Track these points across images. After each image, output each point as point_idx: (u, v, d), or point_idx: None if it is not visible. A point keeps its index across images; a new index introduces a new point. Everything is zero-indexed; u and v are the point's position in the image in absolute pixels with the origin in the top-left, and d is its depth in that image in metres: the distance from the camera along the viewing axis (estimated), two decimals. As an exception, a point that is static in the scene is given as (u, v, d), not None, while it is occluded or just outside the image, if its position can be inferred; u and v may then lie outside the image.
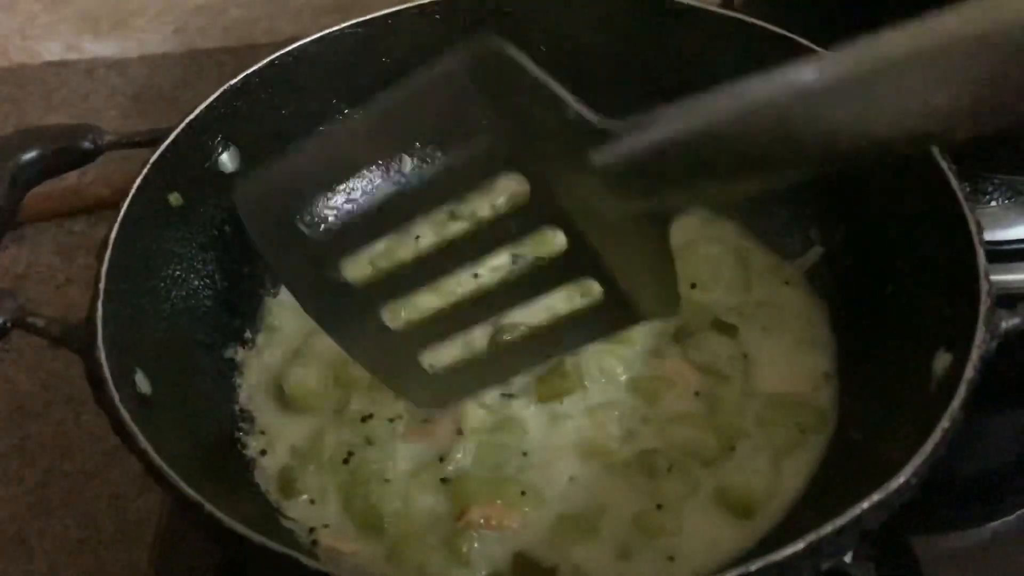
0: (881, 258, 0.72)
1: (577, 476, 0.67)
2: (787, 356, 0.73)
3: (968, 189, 0.65)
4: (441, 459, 0.68)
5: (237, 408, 0.73)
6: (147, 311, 0.68)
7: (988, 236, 0.92)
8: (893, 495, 0.51)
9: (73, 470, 0.88)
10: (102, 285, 0.63)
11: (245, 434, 0.72)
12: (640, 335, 0.74)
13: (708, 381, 0.71)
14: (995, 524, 0.85)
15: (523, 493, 0.66)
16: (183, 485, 0.53)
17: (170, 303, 0.71)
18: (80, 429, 0.91)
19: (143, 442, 0.54)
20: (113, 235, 0.65)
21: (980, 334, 0.56)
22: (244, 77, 0.77)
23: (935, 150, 0.66)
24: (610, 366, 0.72)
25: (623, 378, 0.72)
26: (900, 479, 0.51)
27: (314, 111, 0.83)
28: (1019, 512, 0.86)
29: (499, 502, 0.65)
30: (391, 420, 0.70)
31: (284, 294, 0.81)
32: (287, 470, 0.69)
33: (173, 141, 0.72)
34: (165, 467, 0.54)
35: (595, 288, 0.52)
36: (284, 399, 0.73)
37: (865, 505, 0.50)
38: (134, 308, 0.66)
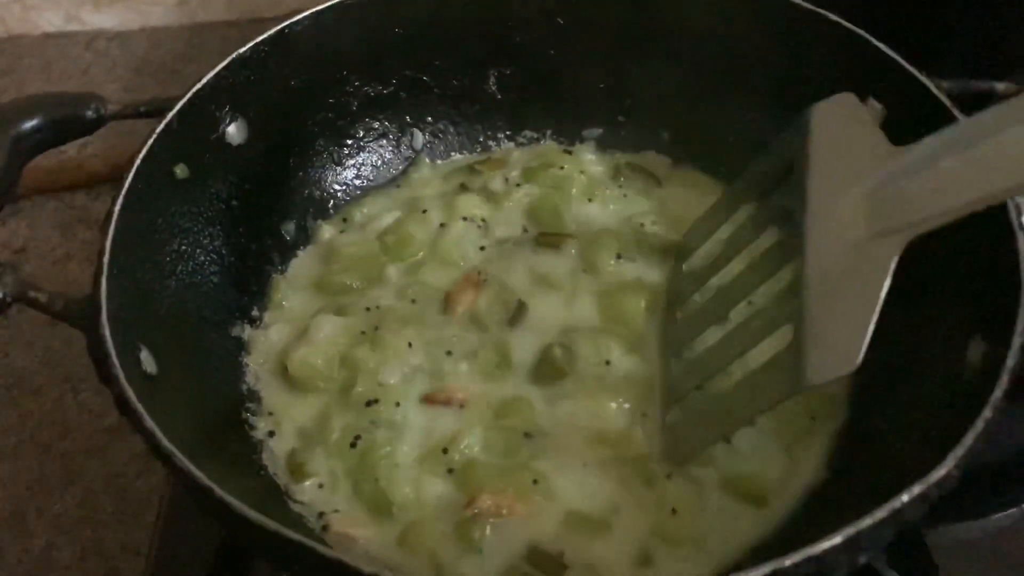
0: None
1: (588, 465, 0.66)
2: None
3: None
4: (448, 446, 0.66)
5: (245, 388, 0.71)
6: (152, 287, 0.66)
7: None
8: (933, 487, 0.49)
9: (72, 448, 0.86)
10: (106, 259, 0.61)
11: (253, 415, 0.70)
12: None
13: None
14: (1003, 515, 0.85)
15: (535, 482, 0.64)
16: (192, 468, 0.50)
17: (175, 279, 0.69)
18: (79, 407, 0.89)
19: (149, 422, 0.52)
20: (118, 207, 0.63)
21: (1021, 322, 0.54)
22: (253, 46, 0.74)
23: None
24: (606, 347, 0.70)
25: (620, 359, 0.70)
26: (942, 471, 0.49)
27: (324, 82, 0.81)
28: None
29: (511, 491, 0.64)
30: (397, 404, 0.68)
31: (292, 271, 0.79)
32: (295, 453, 0.67)
33: (180, 111, 0.69)
34: (173, 449, 0.51)
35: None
36: (290, 379, 0.71)
37: (905, 498, 0.48)
38: (139, 284, 0.64)
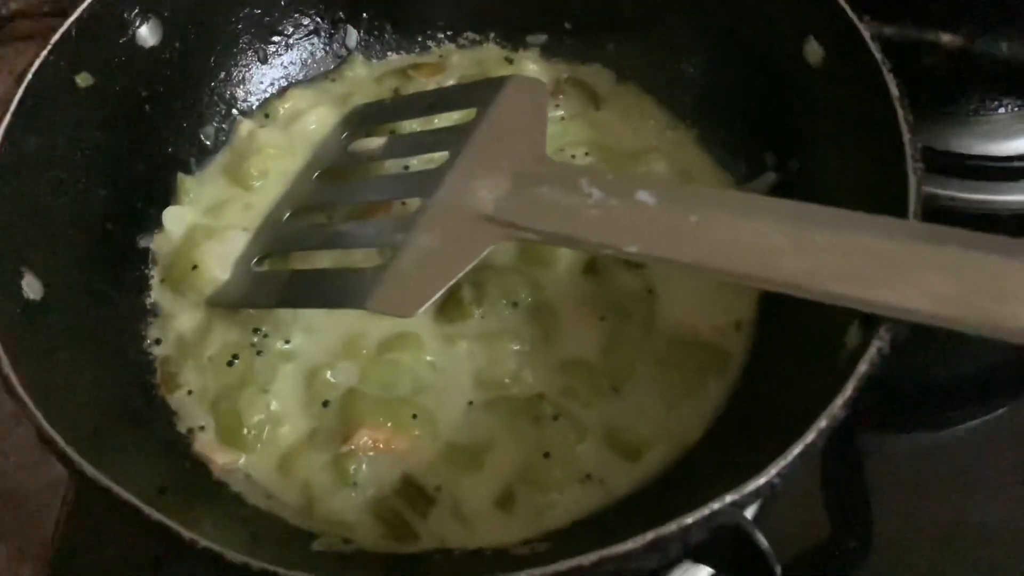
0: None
1: (474, 404, 0.67)
2: (702, 298, 0.69)
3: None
4: (320, 375, 0.67)
5: (149, 303, 0.72)
6: (44, 203, 0.65)
7: (993, 150, 0.88)
8: (748, 496, 0.49)
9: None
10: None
11: (149, 327, 0.71)
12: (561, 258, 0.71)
13: (612, 318, 0.69)
14: (942, 433, 0.87)
15: (415, 416, 0.66)
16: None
17: (74, 193, 0.68)
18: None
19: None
20: (3, 127, 0.62)
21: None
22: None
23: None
24: (516, 289, 0.70)
25: (528, 302, 0.70)
26: (760, 479, 0.49)
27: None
28: (965, 424, 0.87)
29: (389, 425, 0.65)
30: (286, 341, 0.69)
31: (201, 169, 0.78)
32: (168, 361, 0.69)
33: (79, 18, 0.67)
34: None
35: None
36: (188, 282, 0.71)
37: (727, 499, 0.49)
38: (28, 200, 0.64)
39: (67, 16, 0.67)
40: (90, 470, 0.50)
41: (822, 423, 0.50)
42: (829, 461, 0.86)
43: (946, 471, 0.84)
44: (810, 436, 0.50)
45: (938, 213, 0.83)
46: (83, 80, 0.68)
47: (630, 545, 0.48)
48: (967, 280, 0.50)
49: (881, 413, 0.87)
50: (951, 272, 0.51)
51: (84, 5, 0.67)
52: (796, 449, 0.50)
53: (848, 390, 0.51)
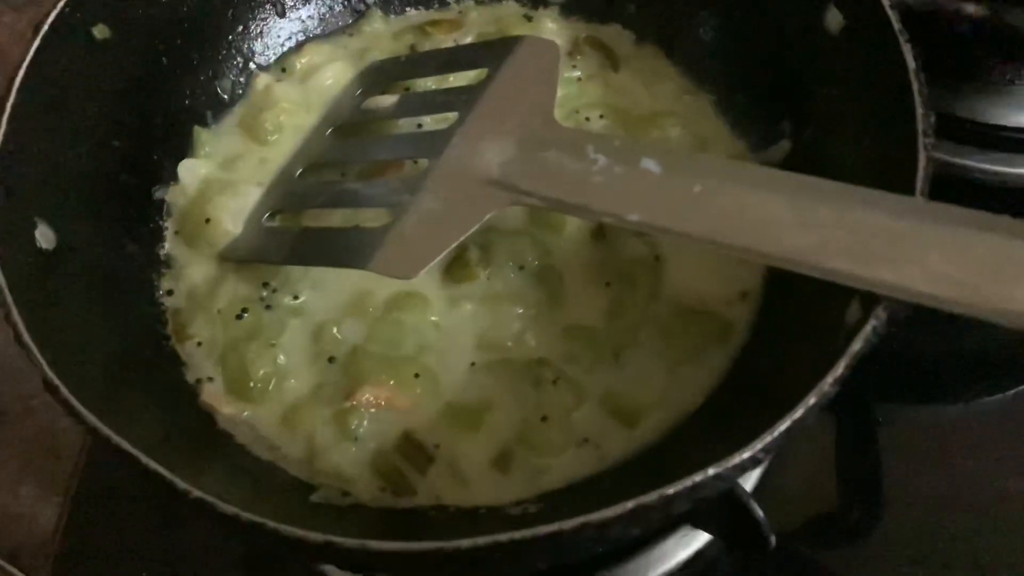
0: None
1: (476, 365, 0.67)
2: (709, 266, 0.69)
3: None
4: (325, 331, 0.68)
5: (163, 253, 0.73)
6: (61, 156, 0.66)
7: (1013, 122, 0.86)
8: (728, 471, 0.49)
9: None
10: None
11: (161, 277, 0.72)
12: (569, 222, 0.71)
13: (617, 284, 0.69)
14: (959, 406, 0.87)
15: (417, 375, 0.67)
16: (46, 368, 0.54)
17: (90, 144, 0.69)
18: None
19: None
20: (19, 79, 0.63)
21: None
22: None
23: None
24: (523, 252, 0.70)
25: (534, 266, 0.70)
26: (745, 454, 0.49)
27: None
28: (983, 399, 0.87)
29: (392, 383, 0.66)
30: (295, 297, 0.70)
31: (217, 123, 0.79)
32: (179, 312, 0.70)
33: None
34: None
35: None
36: (201, 235, 0.72)
37: (671, 491, 0.49)
38: (45, 154, 0.65)
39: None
40: (91, 419, 0.52)
41: (811, 400, 0.50)
42: (844, 429, 0.86)
43: (961, 445, 0.84)
44: (798, 412, 0.50)
45: (955, 182, 0.83)
46: (100, 32, 0.69)
47: (610, 513, 0.49)
48: (968, 260, 0.50)
49: (900, 384, 0.87)
50: (953, 252, 0.50)
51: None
52: (783, 425, 0.50)
53: (840, 368, 0.51)
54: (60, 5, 0.66)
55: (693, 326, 0.68)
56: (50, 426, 0.99)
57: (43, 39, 0.65)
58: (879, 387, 0.85)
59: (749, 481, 0.77)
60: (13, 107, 0.62)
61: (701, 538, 0.76)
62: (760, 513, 0.64)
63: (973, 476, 0.82)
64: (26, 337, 0.54)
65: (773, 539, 0.64)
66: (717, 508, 0.65)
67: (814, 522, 0.82)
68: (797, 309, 0.64)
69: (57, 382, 0.53)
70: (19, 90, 0.63)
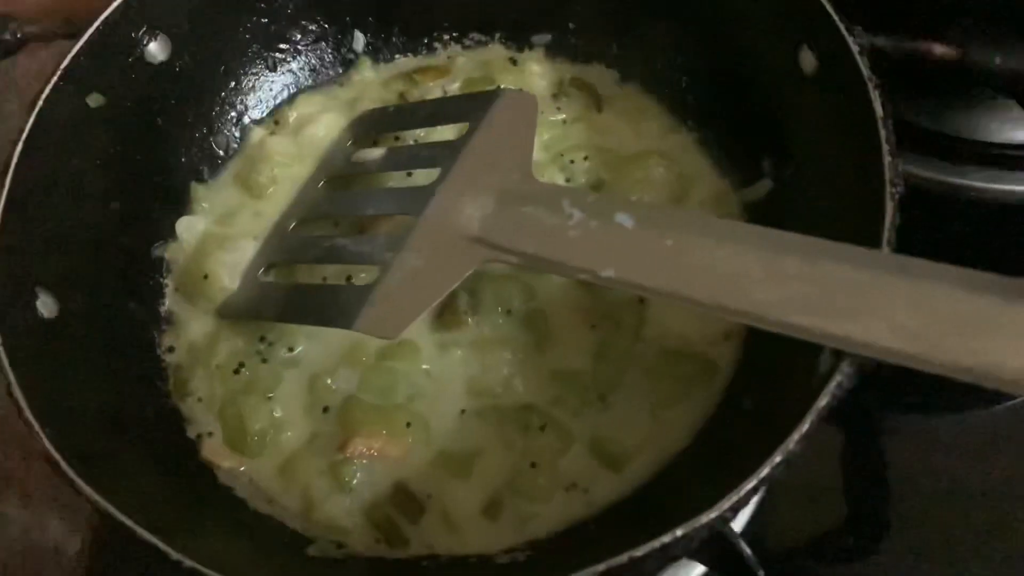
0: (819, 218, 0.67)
1: (466, 412, 0.69)
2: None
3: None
4: (321, 381, 0.70)
5: (163, 310, 0.75)
6: (61, 224, 0.68)
7: (1009, 138, 0.87)
8: (700, 529, 0.51)
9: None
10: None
11: (162, 334, 0.74)
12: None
13: (603, 326, 0.70)
14: (958, 417, 0.87)
15: (408, 424, 0.68)
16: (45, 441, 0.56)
17: (87, 211, 0.71)
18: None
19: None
20: (17, 153, 0.65)
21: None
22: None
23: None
24: (510, 296, 0.71)
25: (522, 310, 0.72)
26: (713, 514, 0.51)
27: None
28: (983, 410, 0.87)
29: (384, 432, 0.68)
30: (290, 349, 0.72)
31: (214, 178, 0.81)
32: (180, 368, 0.72)
33: (89, 40, 0.70)
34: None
35: None
36: (199, 291, 0.74)
37: (663, 540, 0.50)
38: (43, 223, 0.67)
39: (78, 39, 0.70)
40: (89, 492, 0.54)
41: (776, 458, 0.51)
42: (850, 440, 0.87)
43: (968, 453, 0.84)
44: (764, 471, 0.51)
45: (948, 200, 0.82)
46: (94, 100, 0.71)
47: (603, 566, 0.50)
48: (933, 315, 0.50)
49: (905, 393, 0.87)
50: (917, 306, 0.51)
51: (92, 28, 0.70)
52: (749, 484, 0.51)
53: (805, 425, 0.52)
54: (54, 80, 0.68)
55: (678, 367, 0.69)
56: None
57: (38, 114, 0.67)
58: (884, 399, 0.86)
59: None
60: (12, 180, 0.64)
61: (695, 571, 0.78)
62: (747, 551, 0.66)
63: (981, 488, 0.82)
64: (27, 414, 0.57)
65: (761, 573, 0.66)
66: (707, 544, 0.66)
67: (819, 538, 0.84)
68: (778, 349, 0.64)
69: (56, 456, 0.55)
70: (16, 167, 0.65)
